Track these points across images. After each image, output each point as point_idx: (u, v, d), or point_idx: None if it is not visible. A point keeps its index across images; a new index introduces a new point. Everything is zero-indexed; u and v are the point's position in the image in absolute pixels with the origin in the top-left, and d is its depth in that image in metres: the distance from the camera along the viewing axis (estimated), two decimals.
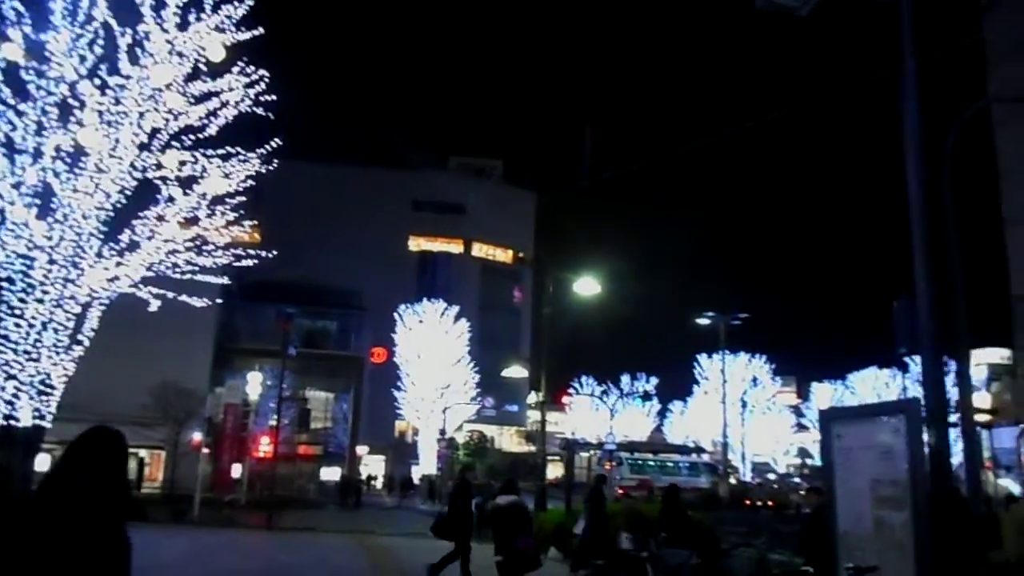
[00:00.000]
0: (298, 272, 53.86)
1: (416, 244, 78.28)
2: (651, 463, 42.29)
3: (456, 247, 78.82)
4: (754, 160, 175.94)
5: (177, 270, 13.17)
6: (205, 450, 37.17)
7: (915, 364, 60.92)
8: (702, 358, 59.96)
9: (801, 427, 74.99)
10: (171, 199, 12.71)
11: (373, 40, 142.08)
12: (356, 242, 70.83)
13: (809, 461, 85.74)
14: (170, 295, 12.92)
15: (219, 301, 38.50)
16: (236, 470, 34.76)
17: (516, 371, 18.13)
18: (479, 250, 79.55)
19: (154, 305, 12.13)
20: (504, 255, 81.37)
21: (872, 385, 64.44)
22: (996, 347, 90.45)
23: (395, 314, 47.63)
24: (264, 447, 32.19)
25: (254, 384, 29.71)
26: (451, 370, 46.56)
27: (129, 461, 3.27)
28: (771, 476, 71.52)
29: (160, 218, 12.62)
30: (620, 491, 37.98)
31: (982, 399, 55.30)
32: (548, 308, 17.18)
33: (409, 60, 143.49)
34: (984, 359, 79.32)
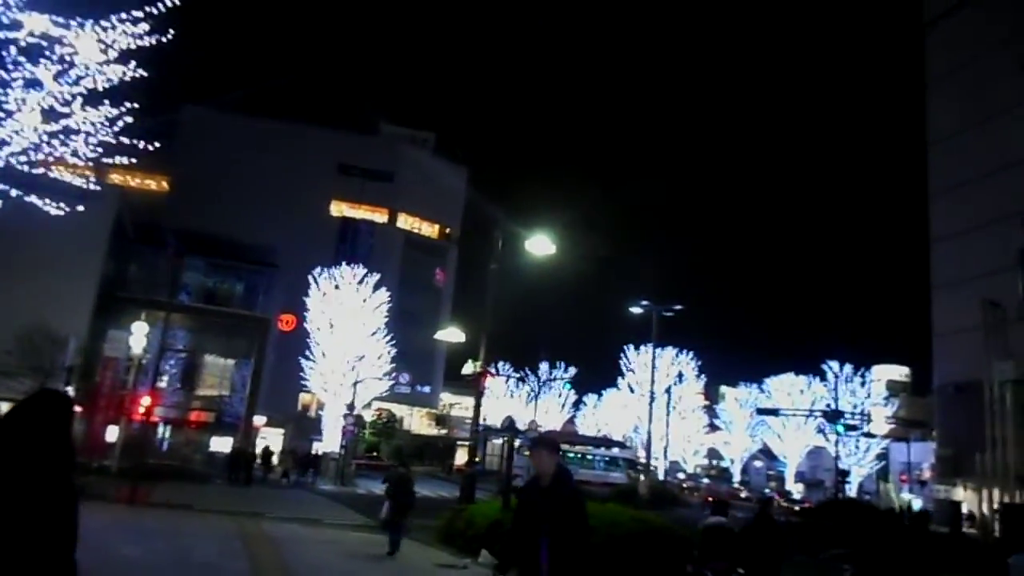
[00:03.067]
0: (205, 221, 49.55)
1: (338, 209, 74.15)
2: (571, 455, 40.29)
3: (380, 216, 75.11)
4: (697, 151, 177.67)
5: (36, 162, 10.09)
6: (78, 408, 33.10)
7: (831, 372, 61.86)
8: (629, 350, 58.73)
9: (713, 428, 75.12)
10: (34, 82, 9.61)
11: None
12: (274, 200, 66.47)
13: (717, 462, 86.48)
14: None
15: (104, 241, 34.62)
16: (112, 433, 30.76)
17: (451, 334, 15.35)
18: (404, 221, 76.11)
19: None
20: (431, 229, 78.16)
21: (788, 390, 64.72)
22: (895, 364, 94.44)
23: (309, 276, 43.96)
24: (143, 408, 28.33)
25: (139, 336, 25.83)
26: (365, 342, 43.32)
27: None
28: (680, 475, 71.32)
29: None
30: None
31: (880, 413, 56.15)
32: (495, 264, 14.50)
33: (351, 22, 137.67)
34: (884, 375, 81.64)
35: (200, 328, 39.82)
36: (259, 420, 49.06)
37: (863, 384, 59.92)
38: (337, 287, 43.83)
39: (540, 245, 14.84)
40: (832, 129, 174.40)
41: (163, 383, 38.52)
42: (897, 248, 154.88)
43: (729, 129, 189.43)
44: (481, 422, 62.36)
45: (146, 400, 28.44)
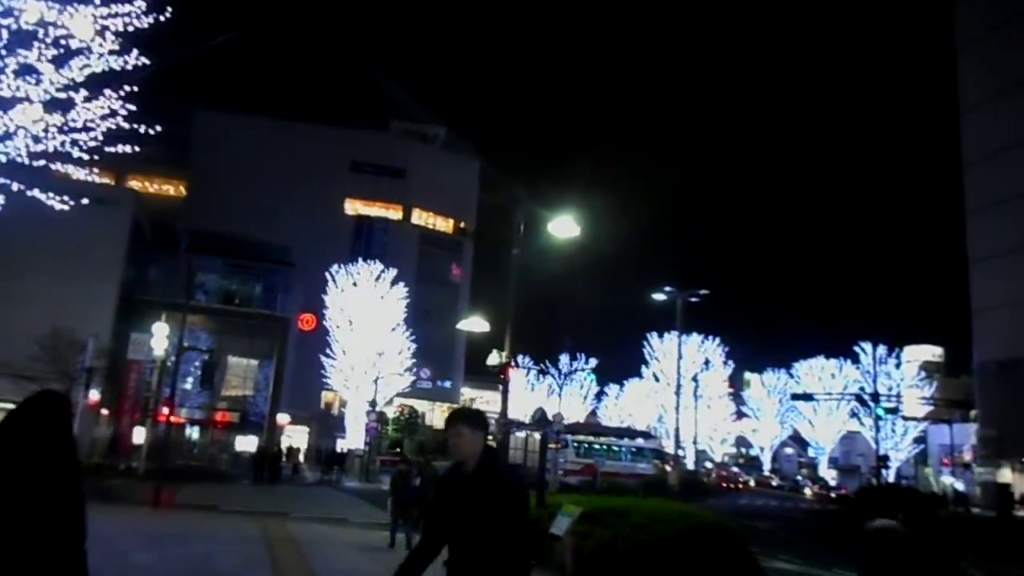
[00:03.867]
0: (222, 223, 49.42)
1: (352, 207, 73.82)
2: (597, 446, 39.57)
3: (395, 213, 74.69)
4: (721, 140, 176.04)
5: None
6: (104, 411, 33.03)
7: (865, 354, 60.29)
8: (652, 337, 57.99)
9: (740, 415, 74.05)
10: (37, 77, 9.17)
11: None
12: (289, 201, 66.27)
13: (745, 450, 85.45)
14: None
15: (125, 246, 34.49)
16: (139, 434, 30.65)
17: (474, 324, 14.76)
18: (419, 217, 75.63)
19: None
20: (445, 224, 77.63)
21: (818, 375, 63.52)
22: (929, 344, 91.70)
23: (327, 273, 43.66)
24: (168, 409, 28.07)
25: (160, 338, 25.54)
26: (385, 338, 42.95)
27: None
28: (708, 465, 70.42)
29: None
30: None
31: (913, 395, 54.69)
32: (517, 249, 13.92)
33: (356, 21, 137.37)
34: (917, 356, 79.88)
35: (221, 329, 39.64)
36: (283, 419, 48.96)
37: (898, 366, 58.04)
38: (355, 284, 43.47)
39: (564, 227, 14.23)
40: (860, 104, 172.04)
41: (187, 385, 38.43)
42: (930, 223, 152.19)
43: (753, 110, 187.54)
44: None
45: (170, 402, 28.16)
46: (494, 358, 13.30)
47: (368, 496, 25.63)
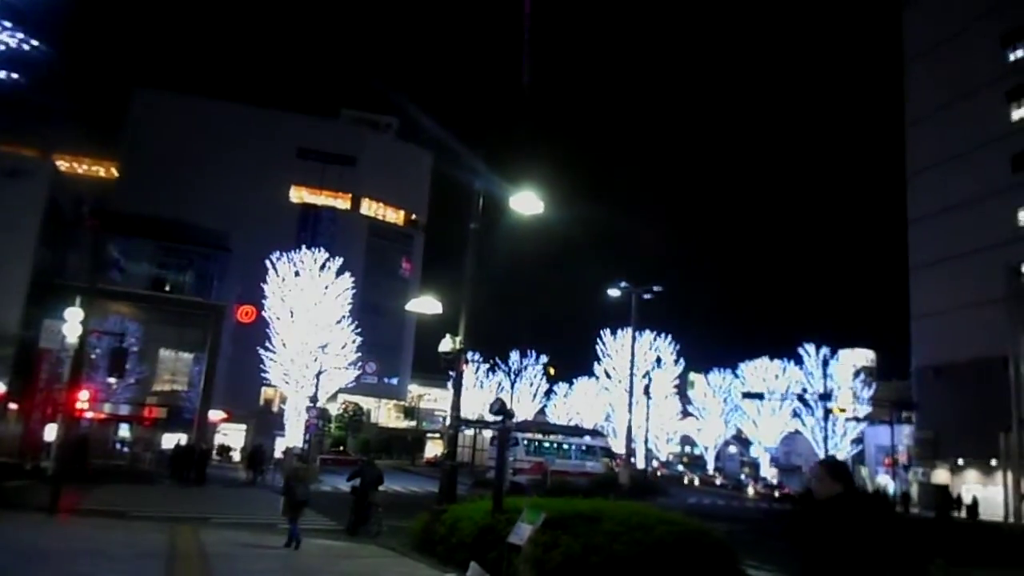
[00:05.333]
0: (156, 206, 46.61)
1: (298, 195, 71.16)
2: (547, 445, 38.39)
3: (343, 202, 72.29)
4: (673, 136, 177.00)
5: None
6: (12, 405, 30.32)
7: (808, 356, 60.91)
8: (605, 335, 57.15)
9: (686, 414, 73.91)
10: None
11: None
12: (230, 186, 63.49)
13: (690, 449, 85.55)
14: None
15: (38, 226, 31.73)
16: (51, 431, 28.09)
17: (427, 304, 13.18)
18: (368, 208, 73.36)
19: None
20: (396, 216, 75.51)
21: (762, 376, 63.65)
22: (862, 349, 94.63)
23: (267, 262, 41.38)
24: (83, 403, 25.76)
25: (74, 324, 23.19)
26: (328, 331, 40.90)
27: None
28: (655, 463, 70.02)
29: None
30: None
31: (848, 397, 55.32)
32: (476, 224, 12.46)
33: (309, 3, 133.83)
34: (851, 360, 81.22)
35: (149, 318, 37.09)
36: (216, 415, 46.42)
37: (842, 367, 59.24)
38: (297, 273, 41.32)
39: (527, 203, 12.83)
40: (812, 114, 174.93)
41: (111, 378, 35.83)
42: (874, 231, 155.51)
43: (708, 113, 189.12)
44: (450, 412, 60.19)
45: (85, 395, 25.84)
46: (447, 344, 11.76)
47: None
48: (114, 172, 69.70)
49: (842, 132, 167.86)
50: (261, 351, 41.52)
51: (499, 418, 10.85)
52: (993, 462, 44.68)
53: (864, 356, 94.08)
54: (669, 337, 58.85)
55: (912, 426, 53.34)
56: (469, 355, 69.93)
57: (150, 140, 64.64)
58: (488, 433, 48.33)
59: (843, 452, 60.39)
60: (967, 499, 40.89)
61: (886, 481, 59.90)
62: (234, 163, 65.34)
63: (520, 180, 12.86)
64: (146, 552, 9.81)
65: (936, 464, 49.13)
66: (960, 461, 47.60)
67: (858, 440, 63.17)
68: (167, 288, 38.97)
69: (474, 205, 12.60)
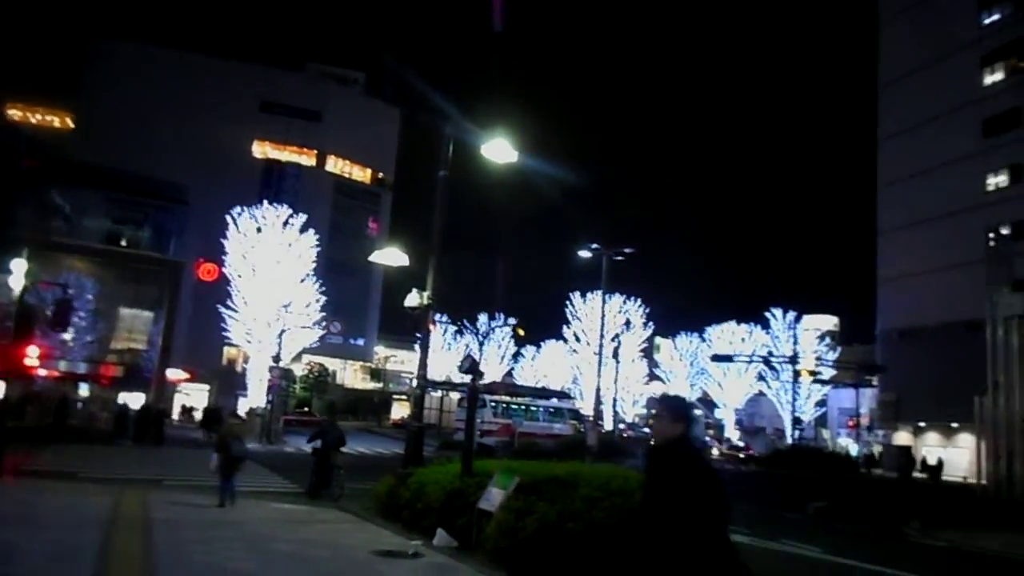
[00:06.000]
0: (113, 158, 44.76)
1: (261, 150, 69.15)
2: (515, 407, 38.07)
3: (308, 159, 70.45)
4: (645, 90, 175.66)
5: None
6: None
7: (776, 320, 61.44)
8: (575, 297, 56.80)
9: (653, 377, 74.29)
10: None
11: None
12: (191, 138, 61.33)
13: (655, 412, 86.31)
14: None
15: None
16: None
17: (392, 256, 12.37)
18: (334, 165, 71.66)
19: None
20: (362, 174, 73.90)
21: (729, 339, 64.00)
22: (826, 315, 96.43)
23: (228, 217, 40.04)
24: (32, 359, 24.62)
25: (19, 276, 21.99)
26: (292, 289, 39.87)
27: None
28: (621, 426, 70.41)
29: None
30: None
31: (811, 361, 55.99)
32: (445, 171, 11.65)
33: None
34: (815, 325, 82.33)
35: (106, 274, 35.68)
36: (176, 374, 45.32)
37: (806, 331, 59.97)
38: (259, 229, 40.06)
39: (499, 151, 12.04)
40: (783, 78, 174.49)
41: (67, 335, 34.52)
42: (844, 197, 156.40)
43: (687, 75, 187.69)
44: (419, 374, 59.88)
45: (34, 351, 24.67)
46: (413, 298, 11.01)
47: (267, 460, 23.12)
48: (69, 123, 67.05)
49: (815, 96, 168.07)
50: (223, 309, 40.44)
51: (469, 377, 10.20)
52: (954, 424, 45.61)
53: (828, 321, 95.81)
54: (639, 301, 58.61)
55: (875, 390, 54.14)
56: (437, 317, 69.46)
57: (108, 91, 62.12)
58: (456, 395, 47.92)
59: (807, 415, 61.39)
60: (931, 461, 41.57)
61: (847, 443, 61.04)
62: (195, 116, 63.10)
63: (493, 128, 12.07)
64: (84, 518, 9.00)
65: (898, 426, 49.98)
66: (921, 423, 48.46)
67: (822, 403, 64.33)
68: (123, 243, 37.52)
69: (443, 150, 11.79)
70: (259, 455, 25.92)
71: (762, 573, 7.67)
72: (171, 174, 44.97)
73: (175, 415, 49.14)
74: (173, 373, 42.50)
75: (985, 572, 12.50)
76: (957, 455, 44.07)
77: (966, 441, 44.93)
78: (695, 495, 3.36)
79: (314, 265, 41.94)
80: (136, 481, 14.60)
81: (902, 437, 49.27)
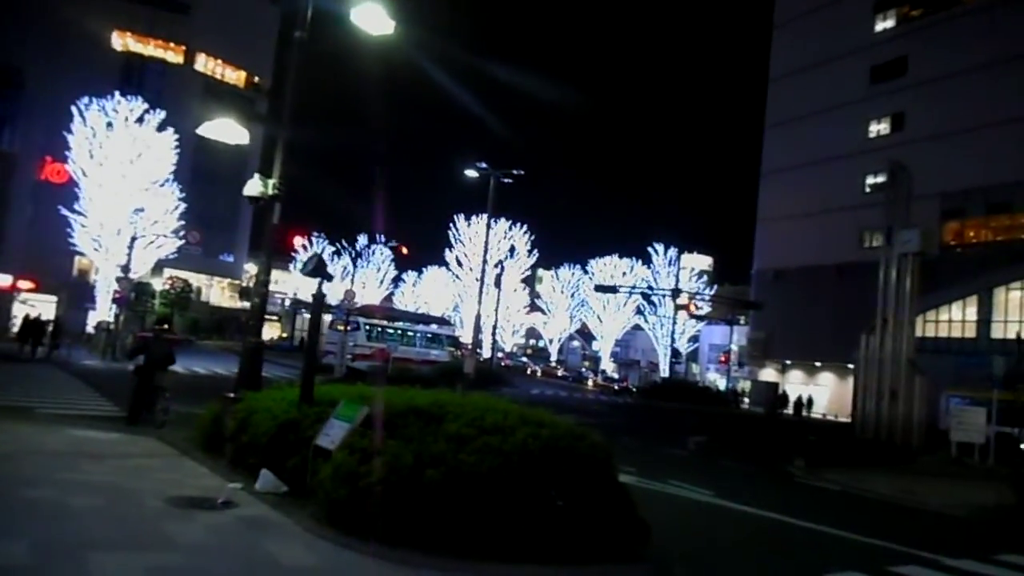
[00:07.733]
0: None
1: (122, 41, 61.98)
2: (390, 331, 36.30)
3: (175, 55, 63.84)
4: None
5: None
6: None
7: (657, 255, 62.16)
8: (459, 220, 55.00)
9: (533, 307, 74.22)
10: None
11: None
12: (36, 20, 53.89)
13: (535, 342, 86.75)
14: None
15: None
16: None
17: (225, 128, 10.11)
18: (204, 64, 65.33)
19: None
20: (236, 76, 67.88)
21: (611, 272, 64.36)
22: (701, 255, 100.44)
23: (74, 108, 35.32)
24: None
25: None
26: (145, 194, 35.94)
27: None
28: (500, 354, 70.13)
29: None
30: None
31: (685, 299, 57.35)
32: (302, 32, 9.46)
33: None
34: (691, 263, 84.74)
35: None
36: (7, 281, 40.54)
37: (683, 269, 61.20)
38: (110, 124, 35.64)
39: (372, 19, 9.93)
40: (679, 20, 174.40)
41: None
42: (729, 141, 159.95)
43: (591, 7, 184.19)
44: (291, 295, 57.07)
45: None
46: (254, 185, 8.90)
47: (101, 378, 20.42)
48: None
49: (713, 35, 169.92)
50: (67, 213, 36.04)
51: (316, 280, 8.27)
52: (817, 363, 47.62)
53: (703, 261, 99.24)
54: (524, 227, 57.52)
55: (746, 328, 55.86)
56: (314, 237, 65.76)
57: None
58: (329, 317, 45.60)
59: (681, 349, 63.06)
60: (793, 397, 43.09)
61: (716, 378, 63.28)
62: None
63: None
64: None
65: (765, 364, 51.84)
66: (788, 362, 50.36)
67: (694, 338, 66.33)
68: None
69: (301, 7, 9.55)
70: (96, 372, 23.07)
71: (658, 524, 6.51)
72: (7, 57, 39.19)
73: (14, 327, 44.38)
74: (4, 280, 37.87)
75: (886, 521, 11.92)
76: (818, 393, 46.13)
77: (827, 380, 47.11)
78: None
79: (174, 170, 37.97)
80: None
81: (768, 374, 51.13)
